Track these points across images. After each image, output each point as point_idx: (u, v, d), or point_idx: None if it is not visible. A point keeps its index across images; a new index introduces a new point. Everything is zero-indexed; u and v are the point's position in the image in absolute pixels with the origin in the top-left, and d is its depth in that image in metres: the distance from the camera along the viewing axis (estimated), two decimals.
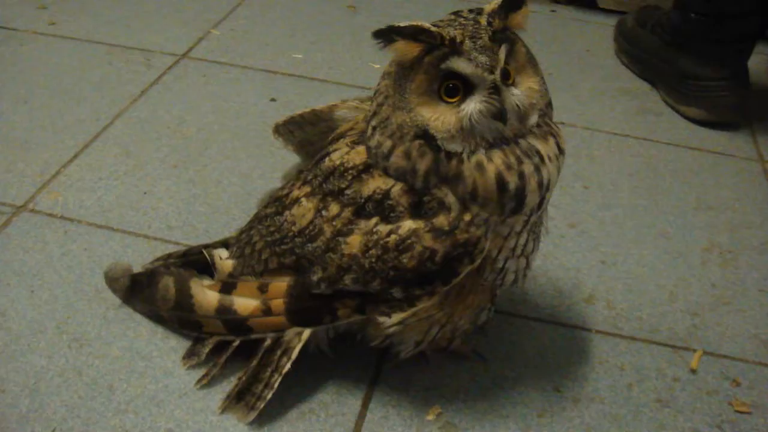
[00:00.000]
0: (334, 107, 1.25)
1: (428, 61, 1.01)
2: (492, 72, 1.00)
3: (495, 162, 1.02)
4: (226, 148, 1.80)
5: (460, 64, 1.00)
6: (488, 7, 1.03)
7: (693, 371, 1.34)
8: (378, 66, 2.10)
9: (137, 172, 1.71)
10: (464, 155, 1.02)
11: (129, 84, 2.03)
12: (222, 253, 1.32)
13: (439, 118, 1.02)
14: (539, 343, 1.37)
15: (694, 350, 1.38)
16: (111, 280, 1.37)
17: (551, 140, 1.08)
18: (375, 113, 1.07)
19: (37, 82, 2.01)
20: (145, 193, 1.65)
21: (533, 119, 1.06)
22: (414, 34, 1.00)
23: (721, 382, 1.33)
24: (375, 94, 1.09)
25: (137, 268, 1.38)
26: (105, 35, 2.25)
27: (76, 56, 2.14)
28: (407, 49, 1.01)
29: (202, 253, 1.35)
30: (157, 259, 1.41)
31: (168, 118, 1.90)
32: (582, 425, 1.24)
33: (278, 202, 1.21)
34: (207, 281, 1.27)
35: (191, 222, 1.57)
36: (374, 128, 1.07)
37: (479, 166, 1.02)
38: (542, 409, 1.26)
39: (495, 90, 1.00)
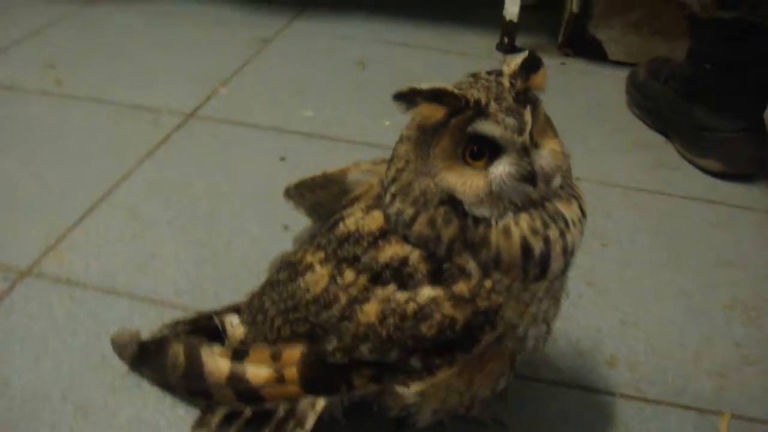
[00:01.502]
0: (346, 170, 1.21)
1: (454, 125, 0.97)
2: (521, 134, 0.96)
3: (521, 226, 0.98)
4: (235, 209, 1.77)
5: (488, 127, 0.96)
6: (509, 69, 1.00)
7: None
8: (388, 123, 2.08)
9: (144, 235, 1.67)
10: (492, 220, 0.99)
11: (136, 144, 2.00)
12: (233, 320, 1.28)
13: (467, 182, 0.99)
14: (561, 408, 1.32)
15: (722, 413, 1.33)
16: (118, 346, 1.33)
17: (574, 203, 1.04)
18: (394, 179, 1.03)
19: (42, 142, 1.99)
20: (152, 256, 1.61)
21: (557, 181, 1.02)
22: (437, 96, 0.96)
23: None
24: (393, 159, 1.05)
25: (145, 334, 1.33)
26: (112, 94, 2.24)
27: (82, 116, 2.12)
28: (431, 112, 0.97)
29: (212, 319, 1.31)
30: (166, 326, 1.36)
31: (175, 179, 1.87)
32: None
33: (291, 267, 1.17)
34: (218, 348, 1.23)
35: (200, 286, 1.53)
36: (394, 195, 1.03)
37: (506, 231, 0.98)
38: None
39: (524, 152, 0.97)
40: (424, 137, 1.00)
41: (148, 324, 1.39)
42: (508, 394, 1.31)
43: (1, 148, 1.96)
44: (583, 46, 2.72)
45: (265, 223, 1.71)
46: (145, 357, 1.30)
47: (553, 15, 2.84)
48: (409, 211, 1.01)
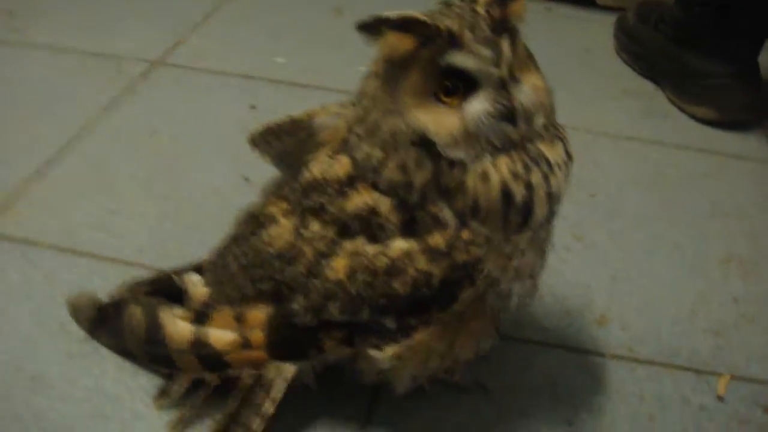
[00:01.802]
0: (313, 114, 1.11)
1: (424, 57, 0.88)
2: (499, 66, 0.87)
3: (500, 170, 0.90)
4: (201, 160, 1.67)
5: (462, 59, 0.87)
6: None
7: (720, 398, 1.22)
8: (365, 69, 1.96)
9: (105, 189, 1.57)
10: (468, 163, 0.90)
11: (99, 93, 1.89)
12: (194, 279, 1.18)
13: (440, 121, 0.89)
14: (548, 371, 1.24)
15: (720, 374, 1.25)
16: (75, 310, 1.23)
17: (559, 145, 0.95)
18: (361, 119, 0.94)
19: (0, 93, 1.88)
20: (113, 211, 1.51)
21: (539, 120, 0.93)
22: (406, 25, 0.86)
23: (752, 410, 1.20)
24: (359, 98, 0.96)
25: (105, 297, 1.24)
26: (75, 42, 2.11)
27: (43, 65, 2.01)
28: (399, 42, 0.87)
29: (172, 278, 1.21)
30: (125, 287, 1.25)
31: (139, 129, 1.77)
32: None
33: (253, 220, 1.08)
34: (179, 311, 1.13)
35: (163, 242, 1.44)
36: (361, 137, 0.94)
37: (484, 176, 0.90)
38: None
39: (503, 87, 0.88)
40: (393, 72, 0.90)
41: (108, 285, 1.29)
42: (491, 357, 1.22)
43: None
44: None
45: (233, 175, 1.61)
46: (103, 321, 1.21)
47: None
48: (378, 155, 0.92)
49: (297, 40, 2.22)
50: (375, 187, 0.94)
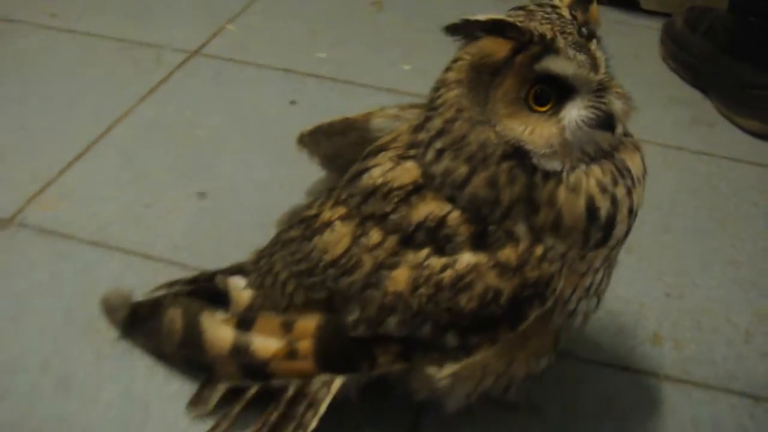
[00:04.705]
0: (369, 115, 1.05)
1: (520, 62, 0.82)
2: (597, 71, 0.82)
3: (590, 183, 0.85)
4: (240, 155, 1.61)
5: (560, 64, 0.81)
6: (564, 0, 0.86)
7: None
8: (408, 67, 1.91)
9: (140, 182, 1.52)
10: (564, 174, 0.85)
11: (136, 82, 1.83)
12: (238, 282, 1.13)
13: (535, 130, 0.84)
14: (601, 391, 1.18)
15: None
16: (109, 309, 1.19)
17: (638, 155, 0.91)
18: (442, 131, 0.88)
19: (34, 80, 1.82)
20: (147, 206, 1.46)
21: (622, 128, 0.88)
22: (500, 29, 0.81)
23: None
24: (437, 107, 0.89)
25: (138, 295, 1.19)
26: (112, 29, 2.06)
27: (79, 52, 1.96)
28: (496, 47, 0.82)
29: (213, 280, 1.16)
30: (162, 286, 1.21)
31: (177, 121, 1.71)
32: None
33: (305, 224, 1.02)
34: (221, 315, 1.08)
35: (199, 241, 1.38)
36: (440, 151, 0.88)
37: (575, 188, 0.85)
38: None
39: (601, 93, 0.83)
40: (481, 79, 0.85)
41: (141, 283, 1.24)
42: (544, 374, 1.16)
43: None
44: None
45: (273, 171, 1.55)
46: (138, 322, 1.16)
47: None
48: (462, 170, 0.86)
49: (337, 34, 2.15)
50: (451, 201, 0.88)
